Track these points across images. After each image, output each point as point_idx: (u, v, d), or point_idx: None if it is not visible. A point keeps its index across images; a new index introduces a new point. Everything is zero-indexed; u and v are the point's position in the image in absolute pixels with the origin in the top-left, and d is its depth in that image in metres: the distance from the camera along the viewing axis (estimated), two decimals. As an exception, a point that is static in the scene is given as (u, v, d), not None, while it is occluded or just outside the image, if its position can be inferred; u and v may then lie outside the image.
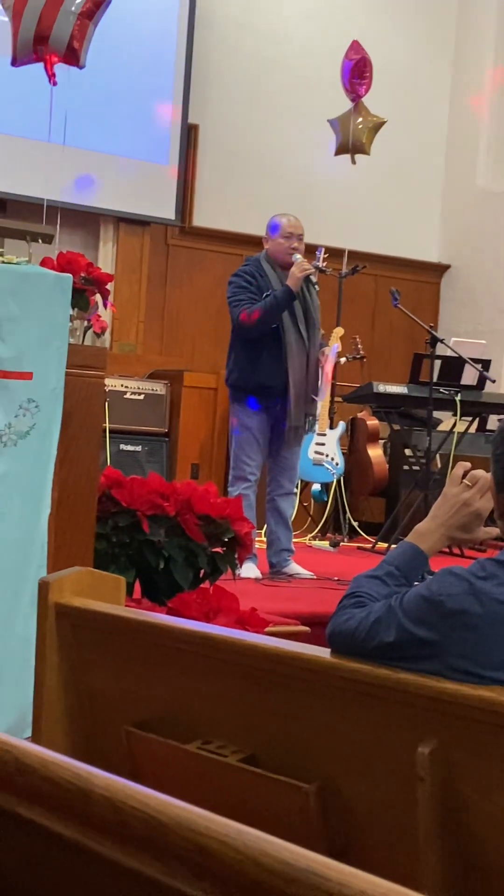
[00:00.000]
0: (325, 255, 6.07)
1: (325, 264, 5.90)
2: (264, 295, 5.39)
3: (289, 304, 5.38)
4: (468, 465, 2.00)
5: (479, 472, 1.96)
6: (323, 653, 1.83)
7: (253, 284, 5.44)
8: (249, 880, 0.83)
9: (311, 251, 5.77)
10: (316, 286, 5.61)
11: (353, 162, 8.31)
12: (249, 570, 5.35)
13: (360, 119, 8.23)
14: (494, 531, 1.93)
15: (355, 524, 7.57)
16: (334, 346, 6.51)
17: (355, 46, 8.19)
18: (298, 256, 5.45)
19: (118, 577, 2.28)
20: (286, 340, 5.43)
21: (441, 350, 6.59)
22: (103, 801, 0.98)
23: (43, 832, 1.03)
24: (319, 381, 5.77)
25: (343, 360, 7.26)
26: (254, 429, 5.52)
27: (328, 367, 6.06)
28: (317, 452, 7.04)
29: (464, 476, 1.97)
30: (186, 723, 2.00)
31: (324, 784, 1.76)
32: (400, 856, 1.69)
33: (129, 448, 7.76)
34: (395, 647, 1.72)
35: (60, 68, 4.38)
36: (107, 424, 7.18)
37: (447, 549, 5.75)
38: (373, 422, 7.89)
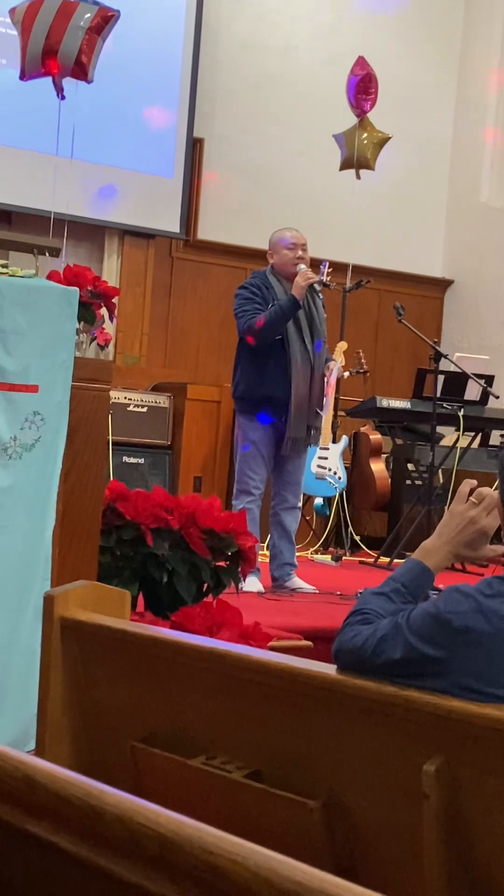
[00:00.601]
0: (329, 270, 6.09)
1: (328, 278, 5.91)
2: (269, 307, 5.42)
3: (293, 312, 5.40)
4: (474, 482, 2.00)
5: (486, 490, 1.96)
6: (329, 669, 1.83)
7: (259, 296, 5.46)
8: (261, 900, 0.83)
9: (314, 265, 5.78)
10: (320, 295, 5.62)
11: (358, 177, 8.33)
12: (252, 583, 5.35)
13: (365, 134, 8.25)
14: (501, 549, 1.93)
15: (357, 538, 7.57)
16: (337, 361, 6.53)
17: (361, 62, 8.21)
18: (304, 266, 5.47)
19: (123, 591, 2.28)
20: (291, 352, 5.45)
21: (444, 365, 6.60)
22: (114, 818, 0.98)
23: (53, 849, 1.03)
24: (324, 395, 5.78)
25: (346, 374, 7.27)
26: (259, 443, 5.52)
27: (332, 381, 6.07)
28: (319, 466, 7.04)
29: (470, 494, 1.97)
30: (191, 738, 1.99)
31: (329, 800, 1.76)
32: (405, 873, 1.69)
33: (132, 460, 7.76)
34: (401, 664, 1.72)
35: (69, 82, 4.41)
36: (110, 436, 7.18)
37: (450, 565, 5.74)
38: (376, 436, 7.89)
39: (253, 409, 5.52)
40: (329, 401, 6.46)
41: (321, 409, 5.76)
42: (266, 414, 5.50)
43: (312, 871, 0.83)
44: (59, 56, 4.22)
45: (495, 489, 1.91)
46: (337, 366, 6.33)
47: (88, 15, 4.32)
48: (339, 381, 6.78)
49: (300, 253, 5.54)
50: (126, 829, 0.97)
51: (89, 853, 1.00)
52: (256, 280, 5.57)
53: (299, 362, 5.47)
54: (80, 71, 4.29)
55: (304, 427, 5.54)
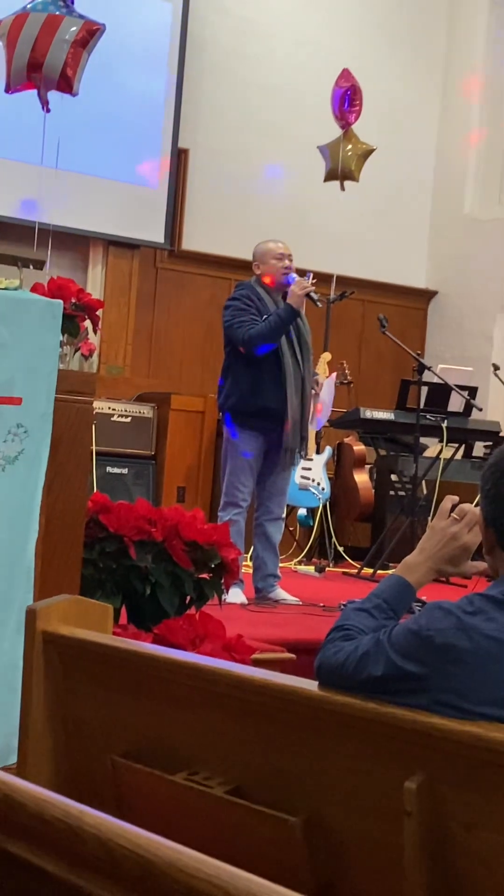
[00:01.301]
0: (314, 281, 6.09)
1: (317, 295, 5.93)
2: (264, 317, 5.42)
3: (292, 321, 5.43)
4: (456, 498, 2.01)
5: (467, 507, 1.97)
6: (311, 685, 1.83)
7: (252, 306, 5.46)
8: (240, 923, 0.83)
9: (299, 276, 5.80)
10: (319, 303, 5.65)
11: (343, 188, 8.35)
12: (235, 595, 5.34)
13: (350, 146, 8.28)
14: (482, 565, 1.94)
15: (341, 549, 7.57)
16: (329, 375, 6.56)
17: (346, 75, 8.25)
18: (295, 276, 5.50)
19: (106, 606, 2.28)
20: (284, 363, 5.46)
21: (428, 377, 6.62)
22: (93, 839, 0.98)
23: (31, 869, 1.03)
24: (312, 405, 5.80)
25: (339, 382, 7.28)
26: (248, 455, 5.52)
27: (326, 397, 6.08)
28: (303, 477, 7.05)
29: (452, 510, 1.98)
30: (173, 753, 1.99)
31: (310, 817, 1.76)
32: (386, 889, 1.69)
33: (116, 470, 7.75)
34: (383, 681, 1.73)
35: (53, 94, 4.41)
36: (93, 447, 7.18)
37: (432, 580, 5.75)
38: (359, 447, 7.90)
39: (246, 421, 5.51)
40: (326, 413, 6.47)
41: (311, 422, 5.78)
42: (260, 425, 5.49)
43: (290, 893, 0.83)
44: (45, 69, 4.23)
45: (476, 504, 1.91)
46: (330, 381, 6.36)
47: (74, 28, 4.32)
48: (342, 385, 6.81)
49: (288, 263, 5.57)
50: (106, 850, 0.96)
51: (68, 874, 1.00)
52: (246, 291, 5.56)
53: (292, 373, 5.49)
54: (66, 84, 4.29)
55: (298, 438, 5.57)
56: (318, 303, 5.59)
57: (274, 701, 1.83)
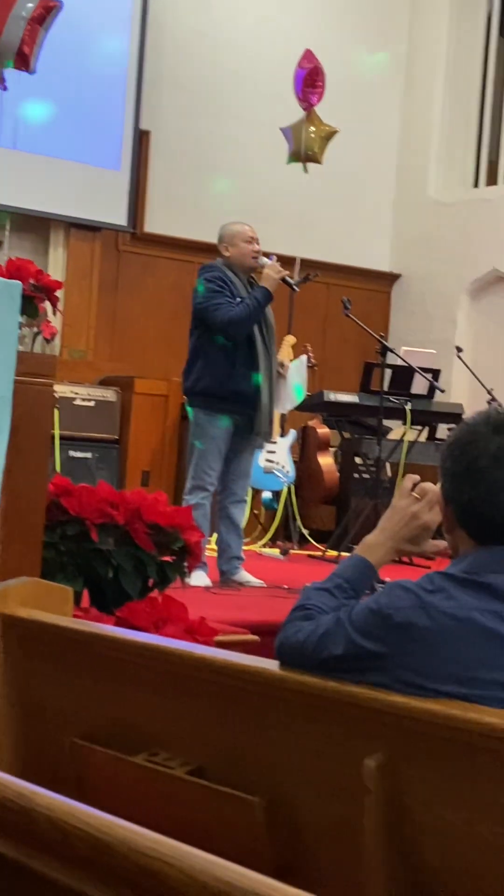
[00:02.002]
0: (277, 263, 6.07)
1: (292, 276, 5.94)
2: (238, 300, 5.40)
3: (268, 304, 5.43)
4: (417, 477, 2.00)
5: (428, 486, 1.97)
6: (272, 665, 1.82)
7: (226, 289, 5.43)
8: (194, 902, 0.82)
9: (265, 259, 5.78)
10: (296, 287, 5.65)
11: (306, 171, 8.33)
12: (199, 578, 5.33)
13: (313, 128, 8.25)
14: (442, 544, 1.94)
15: (305, 532, 7.58)
16: (302, 357, 6.55)
17: (308, 55, 8.21)
18: (265, 259, 5.50)
19: (65, 588, 2.27)
20: (258, 347, 5.46)
21: (391, 359, 6.62)
22: (46, 820, 0.97)
23: (-15, 852, 1.02)
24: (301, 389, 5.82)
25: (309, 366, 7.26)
26: (218, 439, 5.49)
27: (298, 380, 6.07)
28: (267, 460, 7.04)
29: (413, 488, 1.98)
30: (134, 735, 1.98)
31: (271, 797, 1.76)
32: (347, 868, 1.69)
33: (79, 455, 7.71)
34: (343, 659, 1.72)
35: (11, 73, 4.36)
36: (56, 431, 7.14)
37: (396, 558, 5.77)
38: (323, 430, 7.90)
39: (217, 405, 5.47)
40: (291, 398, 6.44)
41: (277, 406, 5.79)
42: (231, 409, 5.47)
43: (245, 871, 0.82)
44: (1, 46, 4.18)
45: (438, 484, 1.91)
46: (301, 361, 6.36)
47: (30, 5, 4.27)
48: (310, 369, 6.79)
49: (257, 247, 5.56)
50: (59, 830, 0.95)
51: (20, 855, 0.99)
52: (217, 272, 5.51)
53: (262, 357, 5.49)
54: (23, 62, 4.25)
55: (269, 421, 5.57)
56: (296, 287, 5.60)
57: (234, 681, 1.83)
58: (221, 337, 5.40)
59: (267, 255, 5.74)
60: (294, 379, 6.50)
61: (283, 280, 5.45)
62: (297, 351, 7.17)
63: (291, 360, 6.82)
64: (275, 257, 6.01)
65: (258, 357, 5.45)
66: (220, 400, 5.46)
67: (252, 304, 5.36)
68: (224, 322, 5.34)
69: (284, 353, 6.87)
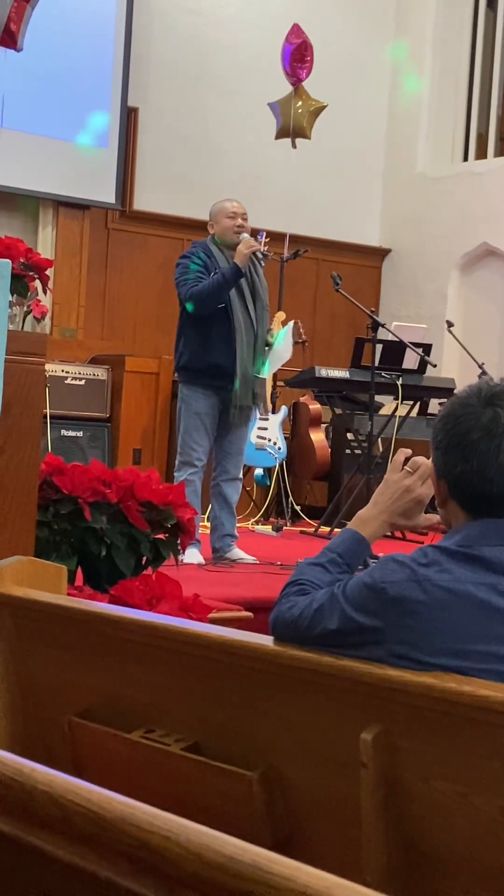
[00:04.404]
0: (267, 240, 6.05)
1: (266, 248, 5.89)
2: (212, 274, 5.40)
3: (236, 280, 5.40)
4: (409, 451, 2.00)
5: (421, 459, 1.97)
6: (266, 640, 1.83)
7: (201, 265, 5.43)
8: (194, 876, 0.83)
9: (252, 235, 5.76)
10: (262, 263, 5.62)
11: (294, 146, 8.30)
12: (192, 555, 5.34)
13: (301, 103, 8.22)
14: (435, 518, 1.94)
15: (298, 508, 7.59)
16: (290, 323, 6.46)
17: (296, 30, 8.16)
18: (245, 235, 5.48)
19: (59, 566, 2.27)
20: (235, 320, 5.44)
21: (382, 334, 6.61)
22: (45, 797, 0.97)
23: (-16, 829, 1.02)
24: (267, 362, 5.76)
25: (297, 341, 7.23)
26: (202, 413, 5.50)
27: (282, 345, 5.99)
28: (259, 437, 7.04)
29: (405, 462, 1.98)
30: (130, 712, 1.99)
31: (267, 771, 1.76)
32: (344, 842, 1.70)
33: (71, 434, 7.71)
34: (337, 634, 1.73)
35: (-3, 50, 4.35)
36: (48, 410, 7.12)
37: (389, 533, 5.78)
38: (315, 406, 7.90)
39: (197, 379, 5.50)
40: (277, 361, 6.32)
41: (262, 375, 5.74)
42: (211, 383, 5.48)
43: (244, 845, 0.82)
44: (-13, 23, 4.16)
45: (430, 458, 1.91)
46: (286, 329, 6.26)
47: (17, -19, 4.25)
48: (296, 344, 6.71)
49: (240, 222, 5.54)
50: (57, 807, 0.96)
51: (21, 832, 0.99)
52: (198, 249, 5.55)
53: (243, 329, 5.47)
54: (10, 39, 4.22)
55: (250, 394, 5.55)
56: (262, 261, 5.58)
57: (229, 657, 1.83)
58: (191, 311, 5.43)
59: (256, 231, 5.72)
60: (278, 344, 6.43)
61: (253, 254, 5.44)
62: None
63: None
64: (264, 234, 6.00)
65: (236, 330, 5.44)
66: (199, 374, 5.47)
67: (217, 279, 5.37)
68: (186, 297, 5.40)
69: (275, 328, 6.85)
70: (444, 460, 1.82)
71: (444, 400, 7.46)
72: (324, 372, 6.94)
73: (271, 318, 6.54)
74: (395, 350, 6.81)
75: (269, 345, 5.76)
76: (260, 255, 5.51)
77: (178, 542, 3.72)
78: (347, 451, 7.68)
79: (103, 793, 0.94)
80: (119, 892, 0.88)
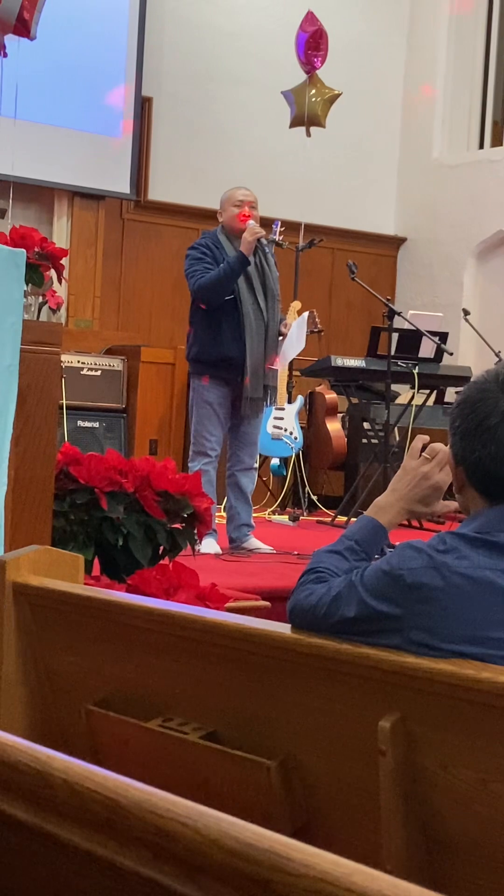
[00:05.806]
0: (282, 229, 6.05)
1: (281, 238, 5.88)
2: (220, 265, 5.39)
3: (242, 269, 5.37)
4: (427, 438, 1.99)
5: (438, 446, 1.96)
6: (284, 629, 1.82)
7: (209, 255, 5.42)
8: (211, 862, 0.82)
9: (267, 224, 5.76)
10: (270, 250, 5.60)
11: (308, 135, 8.27)
12: (209, 545, 5.34)
13: (315, 91, 8.19)
14: (453, 504, 1.93)
15: (314, 498, 7.58)
16: (305, 314, 6.44)
17: (310, 18, 8.13)
18: (251, 222, 5.44)
19: (76, 556, 2.26)
20: (244, 311, 5.42)
21: (398, 323, 6.59)
22: (62, 784, 0.96)
23: (1, 816, 1.02)
24: (279, 352, 5.74)
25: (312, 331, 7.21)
26: (214, 403, 5.50)
27: (295, 334, 5.97)
28: (275, 427, 7.03)
29: (423, 449, 1.97)
30: (147, 701, 1.98)
31: (286, 760, 1.76)
32: (363, 830, 1.69)
33: (87, 424, 7.71)
34: (355, 621, 1.72)
35: (11, 40, 4.31)
36: (64, 401, 7.13)
37: (406, 522, 5.77)
38: (331, 395, 7.89)
39: (208, 371, 5.49)
40: (290, 353, 6.31)
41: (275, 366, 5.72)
42: (222, 375, 5.47)
43: (262, 831, 0.81)
44: (1, 12, 4.13)
45: (448, 445, 1.90)
46: (301, 320, 6.23)
47: (30, -30, 4.23)
48: (312, 333, 6.68)
49: (247, 210, 5.50)
50: (74, 794, 0.95)
51: (38, 819, 0.99)
52: (206, 240, 5.54)
53: (253, 321, 5.45)
54: (23, 28, 4.20)
55: (260, 386, 5.53)
56: (269, 247, 5.56)
57: (247, 645, 1.82)
58: (201, 303, 5.42)
59: (271, 220, 5.71)
60: (293, 334, 6.42)
61: (259, 241, 5.42)
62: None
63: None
64: (279, 223, 5.99)
65: (245, 321, 5.42)
66: (210, 366, 5.47)
67: (224, 269, 5.35)
68: (195, 289, 5.39)
69: (290, 318, 6.84)
70: (461, 446, 1.80)
71: (461, 389, 7.44)
72: (340, 361, 6.93)
73: (286, 307, 6.53)
74: (411, 339, 6.79)
75: (282, 335, 5.75)
76: (266, 242, 5.49)
77: (195, 531, 3.72)
78: (364, 440, 7.67)
79: (120, 779, 0.94)
80: (136, 879, 0.88)
